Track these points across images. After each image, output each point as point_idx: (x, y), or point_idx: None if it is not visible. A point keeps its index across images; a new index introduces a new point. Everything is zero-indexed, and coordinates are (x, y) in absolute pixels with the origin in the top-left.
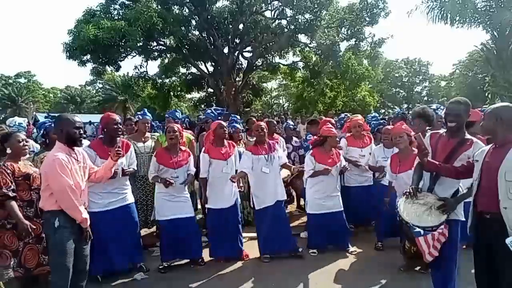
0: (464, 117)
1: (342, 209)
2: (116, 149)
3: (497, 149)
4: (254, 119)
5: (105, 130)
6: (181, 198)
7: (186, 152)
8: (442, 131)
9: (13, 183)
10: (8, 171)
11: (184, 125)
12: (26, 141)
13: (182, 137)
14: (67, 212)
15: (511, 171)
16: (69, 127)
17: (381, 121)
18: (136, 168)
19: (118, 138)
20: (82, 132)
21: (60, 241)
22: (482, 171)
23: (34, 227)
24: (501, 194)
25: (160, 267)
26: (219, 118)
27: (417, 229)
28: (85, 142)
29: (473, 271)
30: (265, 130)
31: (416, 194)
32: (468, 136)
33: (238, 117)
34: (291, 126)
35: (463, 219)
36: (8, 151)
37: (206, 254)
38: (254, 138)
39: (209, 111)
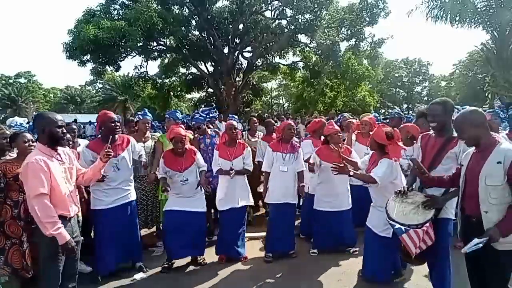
0: (444, 117)
1: (350, 207)
2: (106, 149)
3: (479, 153)
4: (255, 119)
5: (102, 128)
6: (193, 196)
7: (192, 151)
8: (432, 132)
9: (1, 184)
10: None
11: (185, 125)
12: (32, 141)
13: (187, 141)
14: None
15: (491, 176)
16: (51, 126)
17: (382, 121)
18: (144, 153)
19: (117, 136)
20: (64, 131)
21: (50, 246)
22: (466, 176)
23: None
24: (481, 198)
25: (161, 266)
26: (209, 118)
27: (397, 226)
28: (83, 142)
29: None
30: (295, 130)
31: (407, 193)
32: (455, 134)
33: (236, 116)
34: None
35: (454, 218)
36: (15, 151)
37: (207, 255)
38: (255, 139)
39: (197, 115)
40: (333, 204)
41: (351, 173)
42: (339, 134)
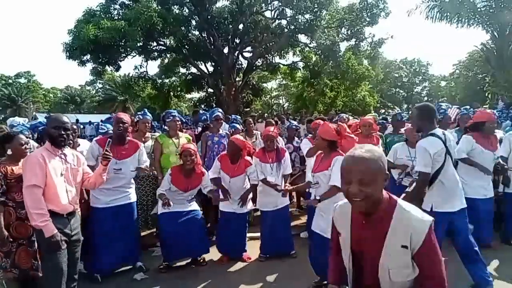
0: (418, 121)
1: None
2: (104, 152)
3: (369, 220)
4: (250, 119)
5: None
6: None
7: (200, 174)
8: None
9: (3, 186)
10: (0, 174)
11: (184, 125)
12: (27, 143)
13: (197, 158)
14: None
15: (399, 268)
16: (49, 126)
17: (381, 121)
18: (148, 166)
19: (128, 138)
20: (62, 132)
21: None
22: (355, 258)
23: (14, 239)
24: None
25: (161, 267)
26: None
27: None
28: (83, 142)
29: None
30: (274, 141)
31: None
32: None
33: (239, 117)
34: (294, 126)
35: (428, 209)
36: (9, 152)
37: (207, 255)
38: (253, 140)
39: (216, 112)
40: None
41: (318, 198)
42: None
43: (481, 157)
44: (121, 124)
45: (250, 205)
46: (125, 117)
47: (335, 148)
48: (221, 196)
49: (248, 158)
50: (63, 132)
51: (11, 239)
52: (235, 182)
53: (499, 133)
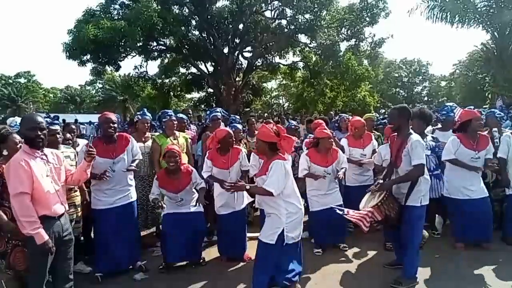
0: (398, 120)
1: (341, 203)
2: (88, 149)
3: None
4: (253, 119)
5: (101, 129)
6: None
7: (187, 172)
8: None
9: None
10: None
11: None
12: (22, 142)
13: (181, 158)
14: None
15: None
16: (23, 127)
17: (382, 121)
18: (140, 157)
19: (116, 134)
20: (39, 133)
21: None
22: None
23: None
24: None
25: (160, 267)
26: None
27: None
28: (82, 142)
29: (475, 271)
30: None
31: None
32: (411, 134)
33: (238, 117)
34: (293, 126)
35: (419, 204)
36: (5, 152)
37: (207, 255)
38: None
39: (214, 112)
40: (325, 202)
41: (247, 187)
42: (329, 138)
43: (461, 157)
44: (111, 124)
45: (246, 199)
46: (113, 117)
47: (275, 150)
48: (215, 193)
49: (236, 146)
50: (39, 133)
51: (6, 239)
52: (234, 170)
53: (504, 132)
